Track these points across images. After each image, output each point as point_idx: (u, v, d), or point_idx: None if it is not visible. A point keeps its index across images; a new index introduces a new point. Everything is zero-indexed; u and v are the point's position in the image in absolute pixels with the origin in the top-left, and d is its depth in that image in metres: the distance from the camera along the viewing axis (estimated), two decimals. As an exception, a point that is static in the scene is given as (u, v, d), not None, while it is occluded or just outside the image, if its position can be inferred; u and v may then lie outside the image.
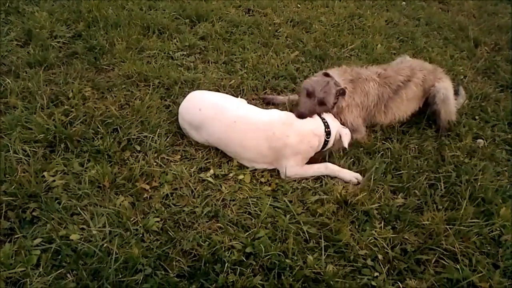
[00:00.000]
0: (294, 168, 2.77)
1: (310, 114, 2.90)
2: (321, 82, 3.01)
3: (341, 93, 3.04)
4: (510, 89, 4.24)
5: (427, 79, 3.39)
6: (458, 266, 2.30)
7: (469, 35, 5.20)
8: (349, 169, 2.89)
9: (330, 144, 2.91)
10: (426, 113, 3.44)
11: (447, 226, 2.50)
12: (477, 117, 3.70)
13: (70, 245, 2.13)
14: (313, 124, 2.87)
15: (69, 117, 2.91)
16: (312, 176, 2.81)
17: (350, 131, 3.02)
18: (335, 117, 3.07)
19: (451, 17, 5.91)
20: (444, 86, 3.40)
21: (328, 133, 2.86)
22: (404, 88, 3.29)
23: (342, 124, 3.09)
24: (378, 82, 3.23)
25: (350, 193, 2.65)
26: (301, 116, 2.86)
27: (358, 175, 2.82)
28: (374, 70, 3.33)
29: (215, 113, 2.82)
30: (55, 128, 2.76)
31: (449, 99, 3.39)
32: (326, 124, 2.89)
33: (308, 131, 2.80)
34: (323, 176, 2.82)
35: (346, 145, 2.89)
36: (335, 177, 2.83)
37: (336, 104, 3.07)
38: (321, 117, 2.95)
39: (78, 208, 2.33)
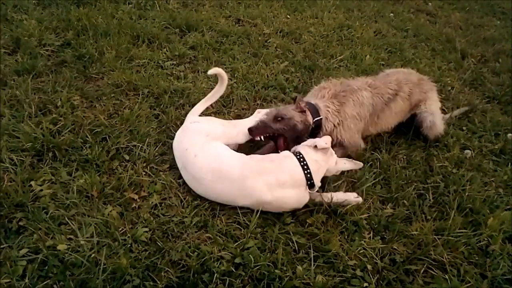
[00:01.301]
0: None
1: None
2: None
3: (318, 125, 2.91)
4: (496, 100, 4.31)
5: (413, 92, 3.32)
6: (447, 276, 2.31)
7: (456, 47, 5.29)
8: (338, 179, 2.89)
9: (317, 184, 2.54)
10: (413, 124, 3.44)
11: (436, 236, 2.51)
12: (464, 128, 3.74)
13: (57, 256, 2.10)
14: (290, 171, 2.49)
15: (57, 126, 2.89)
16: None
17: (347, 148, 2.98)
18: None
19: (439, 29, 6.01)
20: (431, 110, 3.37)
21: (309, 174, 2.49)
22: (393, 101, 3.21)
23: (339, 143, 2.97)
24: (370, 91, 3.12)
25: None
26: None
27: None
28: (364, 80, 3.23)
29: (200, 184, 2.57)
30: (43, 137, 2.74)
31: (436, 125, 3.37)
32: (305, 165, 2.50)
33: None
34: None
35: (320, 145, 2.53)
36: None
37: (318, 132, 2.93)
38: (297, 155, 2.55)
39: (66, 218, 2.30)
